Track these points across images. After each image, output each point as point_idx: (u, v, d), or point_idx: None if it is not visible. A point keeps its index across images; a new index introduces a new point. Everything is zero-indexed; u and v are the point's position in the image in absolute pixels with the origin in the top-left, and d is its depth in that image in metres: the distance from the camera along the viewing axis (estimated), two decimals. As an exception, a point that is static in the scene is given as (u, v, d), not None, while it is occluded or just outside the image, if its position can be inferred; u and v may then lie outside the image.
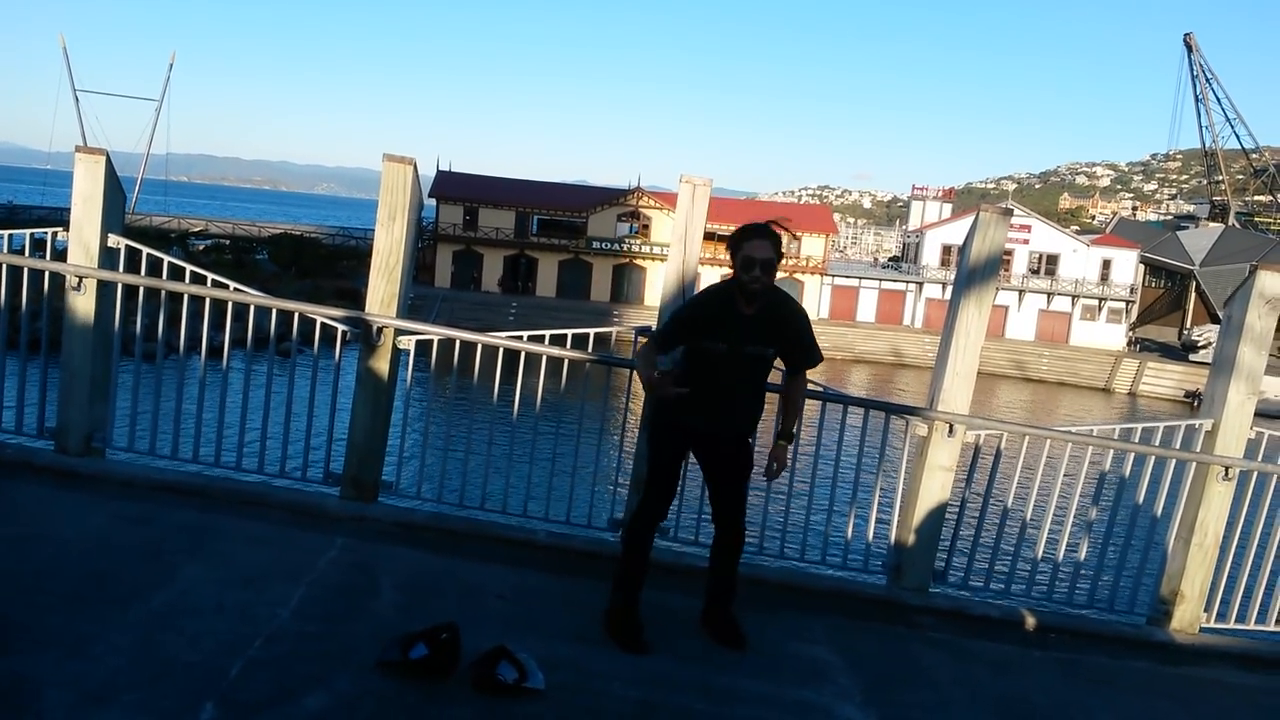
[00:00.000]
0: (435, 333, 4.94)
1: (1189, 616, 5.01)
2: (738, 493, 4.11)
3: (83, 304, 4.87)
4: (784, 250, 3.90)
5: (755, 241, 3.81)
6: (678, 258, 4.82)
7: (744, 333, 3.85)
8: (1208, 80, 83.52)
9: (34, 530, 4.12)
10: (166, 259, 4.94)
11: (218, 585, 3.79)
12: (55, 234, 4.97)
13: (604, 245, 56.80)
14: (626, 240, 56.66)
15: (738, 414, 4.02)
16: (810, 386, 4.86)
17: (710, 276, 4.08)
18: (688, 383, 3.89)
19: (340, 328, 4.95)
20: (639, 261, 56.94)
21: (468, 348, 4.99)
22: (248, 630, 3.45)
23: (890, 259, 76.67)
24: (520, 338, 4.90)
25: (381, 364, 4.83)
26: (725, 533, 4.12)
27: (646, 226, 56.99)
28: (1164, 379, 53.28)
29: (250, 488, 4.92)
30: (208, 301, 4.98)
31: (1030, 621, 4.84)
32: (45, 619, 3.34)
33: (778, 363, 4.07)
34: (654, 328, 4.39)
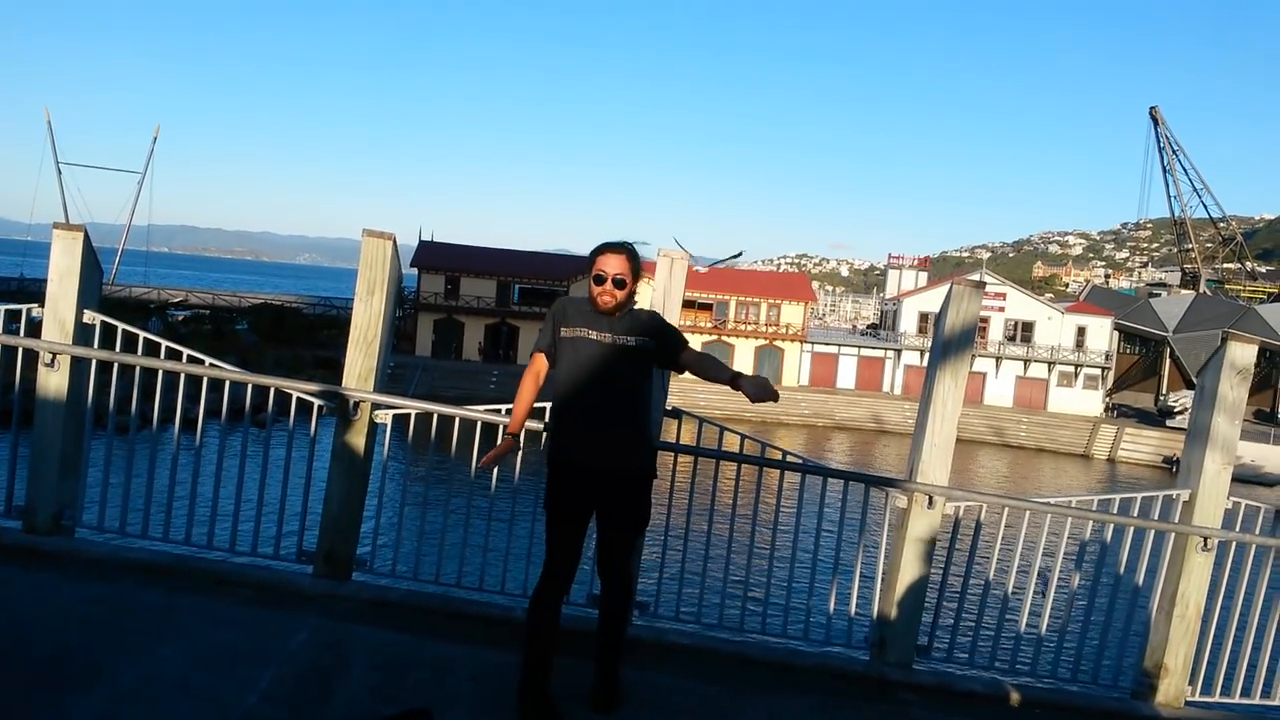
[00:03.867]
0: (413, 407, 4.91)
1: (1174, 690, 4.96)
2: (623, 538, 3.90)
3: (56, 380, 4.82)
4: (640, 271, 3.89)
5: (608, 256, 3.84)
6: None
7: (609, 325, 3.84)
8: (1174, 151, 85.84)
9: (-3, 612, 4.02)
10: (142, 334, 4.91)
11: (185, 667, 3.69)
12: (30, 309, 4.94)
13: (585, 314, 56.95)
14: (607, 309, 56.79)
15: (620, 438, 3.84)
16: (790, 459, 4.86)
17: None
18: (560, 408, 3.88)
19: (317, 402, 4.92)
20: (619, 330, 57.12)
21: (445, 420, 4.96)
22: (214, 714, 3.36)
23: (869, 326, 77.38)
24: (499, 410, 4.87)
25: (358, 438, 4.79)
26: (605, 583, 3.93)
27: (627, 295, 57.23)
28: (1142, 445, 53.67)
29: (220, 567, 4.83)
30: (183, 376, 4.95)
31: (1015, 697, 4.77)
32: (6, 700, 3.24)
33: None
34: None
